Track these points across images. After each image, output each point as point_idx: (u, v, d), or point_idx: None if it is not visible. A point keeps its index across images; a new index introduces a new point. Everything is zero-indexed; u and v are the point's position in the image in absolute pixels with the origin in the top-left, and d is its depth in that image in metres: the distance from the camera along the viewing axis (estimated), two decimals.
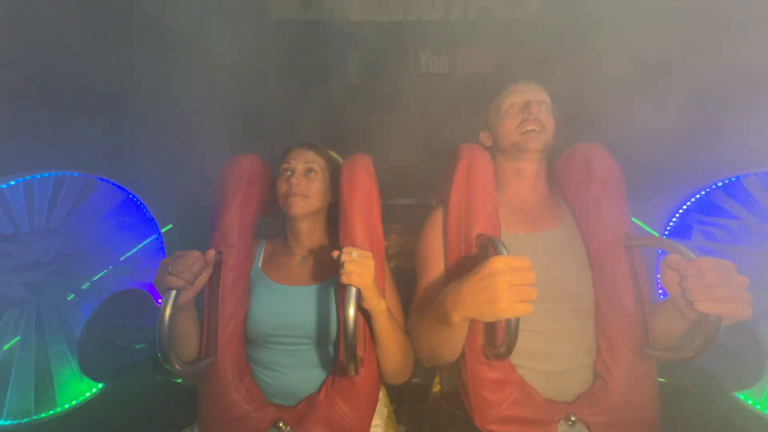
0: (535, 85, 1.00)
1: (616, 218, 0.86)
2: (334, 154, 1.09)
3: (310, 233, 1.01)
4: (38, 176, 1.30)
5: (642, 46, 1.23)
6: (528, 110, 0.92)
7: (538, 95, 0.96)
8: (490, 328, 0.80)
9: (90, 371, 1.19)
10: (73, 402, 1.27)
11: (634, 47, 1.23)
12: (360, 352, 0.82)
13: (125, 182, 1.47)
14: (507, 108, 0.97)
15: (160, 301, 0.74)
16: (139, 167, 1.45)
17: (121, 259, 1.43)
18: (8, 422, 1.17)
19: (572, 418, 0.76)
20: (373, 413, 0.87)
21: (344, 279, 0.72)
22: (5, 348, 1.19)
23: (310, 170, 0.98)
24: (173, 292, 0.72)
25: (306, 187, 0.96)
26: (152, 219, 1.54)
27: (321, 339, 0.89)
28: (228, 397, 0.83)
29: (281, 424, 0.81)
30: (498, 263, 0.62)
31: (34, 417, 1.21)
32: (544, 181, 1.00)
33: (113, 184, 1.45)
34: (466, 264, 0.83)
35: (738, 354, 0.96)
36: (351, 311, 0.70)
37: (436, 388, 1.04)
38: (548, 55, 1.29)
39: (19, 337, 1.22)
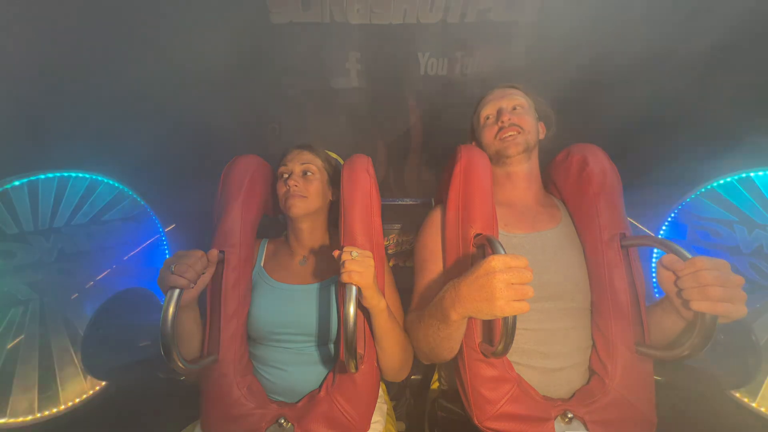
0: (508, 89, 1.01)
1: (613, 218, 0.87)
2: (332, 154, 1.10)
3: (310, 233, 1.02)
4: (42, 176, 1.31)
5: (640, 47, 1.24)
6: (500, 119, 0.95)
7: (510, 100, 0.98)
8: (488, 326, 0.81)
9: (93, 369, 1.20)
10: (76, 400, 1.27)
11: (632, 48, 1.24)
12: (360, 350, 0.84)
13: (128, 182, 1.49)
14: (483, 122, 1.01)
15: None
16: (142, 167, 1.46)
17: (125, 258, 1.44)
18: (12, 420, 1.18)
19: (569, 415, 0.77)
20: (373, 410, 0.88)
21: (344, 278, 0.73)
22: (9, 346, 1.20)
23: (307, 171, 0.99)
24: (176, 291, 0.73)
25: (304, 188, 0.97)
26: (155, 219, 1.55)
27: (322, 337, 0.90)
28: (230, 394, 0.84)
29: (282, 421, 0.82)
30: (495, 262, 0.63)
31: (38, 415, 1.22)
32: (537, 180, 1.01)
33: (116, 185, 1.46)
34: (464, 263, 0.84)
35: (733, 352, 0.97)
36: (351, 309, 0.71)
37: (435, 386, 1.06)
38: (546, 58, 1.30)
39: (23, 336, 1.23)
